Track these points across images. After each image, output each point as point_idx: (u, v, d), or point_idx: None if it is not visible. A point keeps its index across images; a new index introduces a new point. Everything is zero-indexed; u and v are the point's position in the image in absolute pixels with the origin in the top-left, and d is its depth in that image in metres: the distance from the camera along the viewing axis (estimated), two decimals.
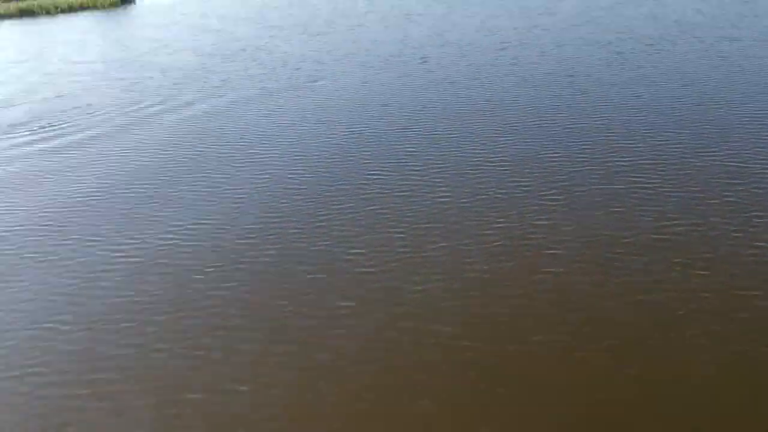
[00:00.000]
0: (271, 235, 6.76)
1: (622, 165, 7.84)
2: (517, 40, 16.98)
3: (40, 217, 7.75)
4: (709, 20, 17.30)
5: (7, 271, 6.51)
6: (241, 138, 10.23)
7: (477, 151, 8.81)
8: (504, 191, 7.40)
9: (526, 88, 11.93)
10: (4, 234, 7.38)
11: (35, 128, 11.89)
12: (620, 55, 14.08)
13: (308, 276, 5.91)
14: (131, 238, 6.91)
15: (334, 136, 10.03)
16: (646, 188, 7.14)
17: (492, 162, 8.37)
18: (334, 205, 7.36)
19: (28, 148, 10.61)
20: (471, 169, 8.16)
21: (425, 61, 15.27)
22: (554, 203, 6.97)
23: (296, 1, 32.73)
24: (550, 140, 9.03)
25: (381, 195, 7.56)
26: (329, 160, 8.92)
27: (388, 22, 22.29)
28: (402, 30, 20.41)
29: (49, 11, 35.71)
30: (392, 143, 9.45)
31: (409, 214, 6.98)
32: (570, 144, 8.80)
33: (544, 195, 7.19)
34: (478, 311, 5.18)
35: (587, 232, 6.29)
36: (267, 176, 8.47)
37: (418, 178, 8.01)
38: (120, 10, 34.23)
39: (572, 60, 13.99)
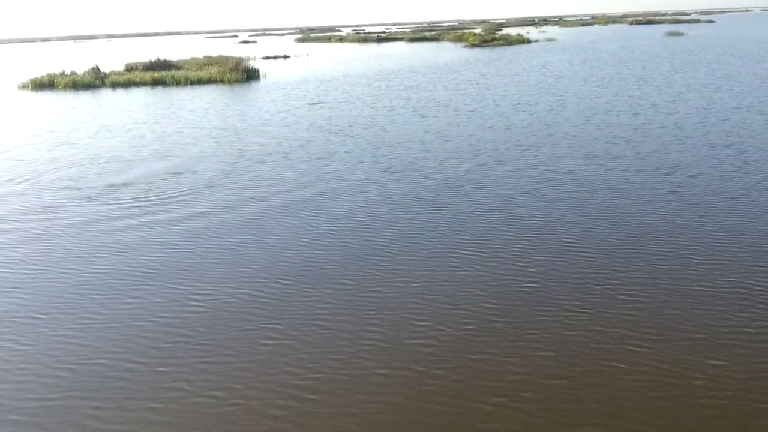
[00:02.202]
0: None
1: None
2: (626, 137, 18.63)
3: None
4: None
5: None
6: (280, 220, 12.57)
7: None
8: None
9: (618, 181, 13.56)
10: None
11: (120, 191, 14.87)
12: (734, 162, 15.41)
13: None
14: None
15: (419, 212, 12.10)
16: None
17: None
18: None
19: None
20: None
21: (527, 149, 17.24)
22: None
23: (413, 86, 36.03)
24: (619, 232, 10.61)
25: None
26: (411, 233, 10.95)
27: (499, 109, 24.66)
28: (509, 118, 22.66)
29: (179, 82, 41.47)
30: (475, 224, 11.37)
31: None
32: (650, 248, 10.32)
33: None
34: None
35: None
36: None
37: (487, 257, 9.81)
38: (245, 86, 39.30)
39: (675, 159, 15.46)
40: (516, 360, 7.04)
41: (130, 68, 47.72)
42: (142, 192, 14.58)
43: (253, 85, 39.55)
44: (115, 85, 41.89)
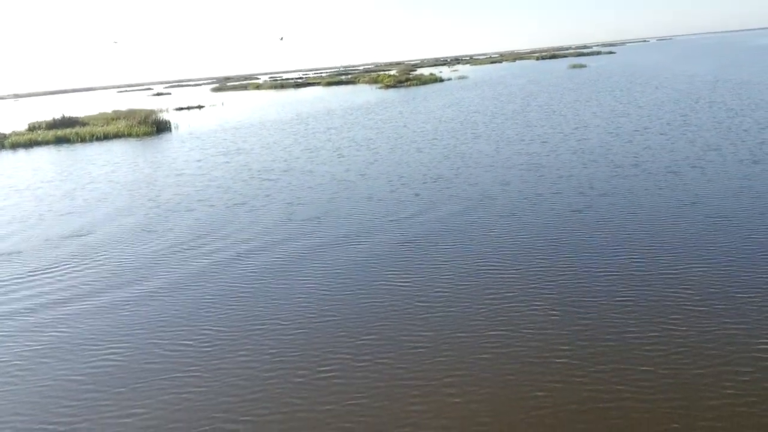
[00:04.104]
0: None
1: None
2: (537, 163, 19.50)
3: None
4: None
5: None
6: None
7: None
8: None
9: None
10: None
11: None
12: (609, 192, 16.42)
13: None
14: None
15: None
16: None
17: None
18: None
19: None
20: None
21: (443, 181, 17.77)
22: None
23: (332, 128, 36.53)
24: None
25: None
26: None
27: (415, 145, 25.38)
28: (425, 153, 23.35)
29: (84, 139, 40.47)
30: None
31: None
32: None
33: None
34: None
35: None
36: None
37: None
38: (155, 138, 38.72)
39: (585, 181, 16.34)
40: (435, 380, 7.26)
41: (32, 127, 46.17)
42: (55, 254, 14.11)
43: (165, 137, 39.03)
44: (15, 146, 40.36)
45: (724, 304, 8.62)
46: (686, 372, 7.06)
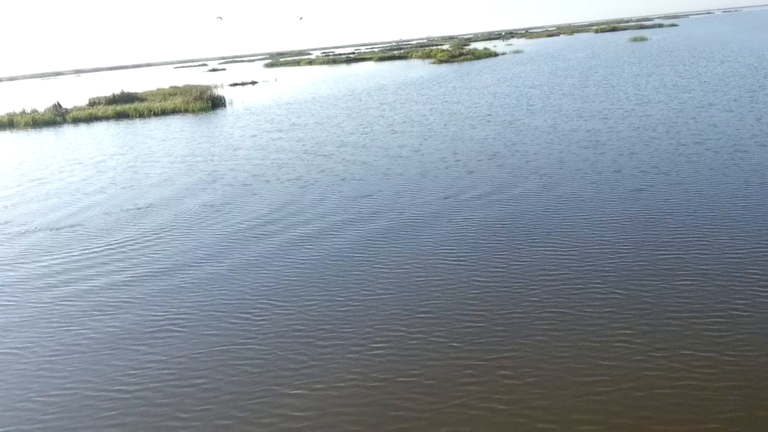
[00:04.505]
0: None
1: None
2: (597, 141, 19.01)
3: None
4: None
5: None
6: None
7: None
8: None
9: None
10: None
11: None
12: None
13: None
14: None
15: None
16: None
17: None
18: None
19: None
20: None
21: (496, 158, 17.53)
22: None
23: (385, 104, 36.36)
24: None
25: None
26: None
27: (469, 122, 25.10)
28: (478, 130, 23.06)
29: (142, 114, 41.45)
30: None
31: None
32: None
33: None
34: None
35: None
36: None
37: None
38: (210, 114, 39.36)
39: (646, 159, 15.87)
40: (489, 359, 7.25)
41: (93, 103, 47.48)
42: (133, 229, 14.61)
43: (220, 112, 39.62)
44: (76, 121, 41.60)
45: None
46: (752, 359, 6.83)
